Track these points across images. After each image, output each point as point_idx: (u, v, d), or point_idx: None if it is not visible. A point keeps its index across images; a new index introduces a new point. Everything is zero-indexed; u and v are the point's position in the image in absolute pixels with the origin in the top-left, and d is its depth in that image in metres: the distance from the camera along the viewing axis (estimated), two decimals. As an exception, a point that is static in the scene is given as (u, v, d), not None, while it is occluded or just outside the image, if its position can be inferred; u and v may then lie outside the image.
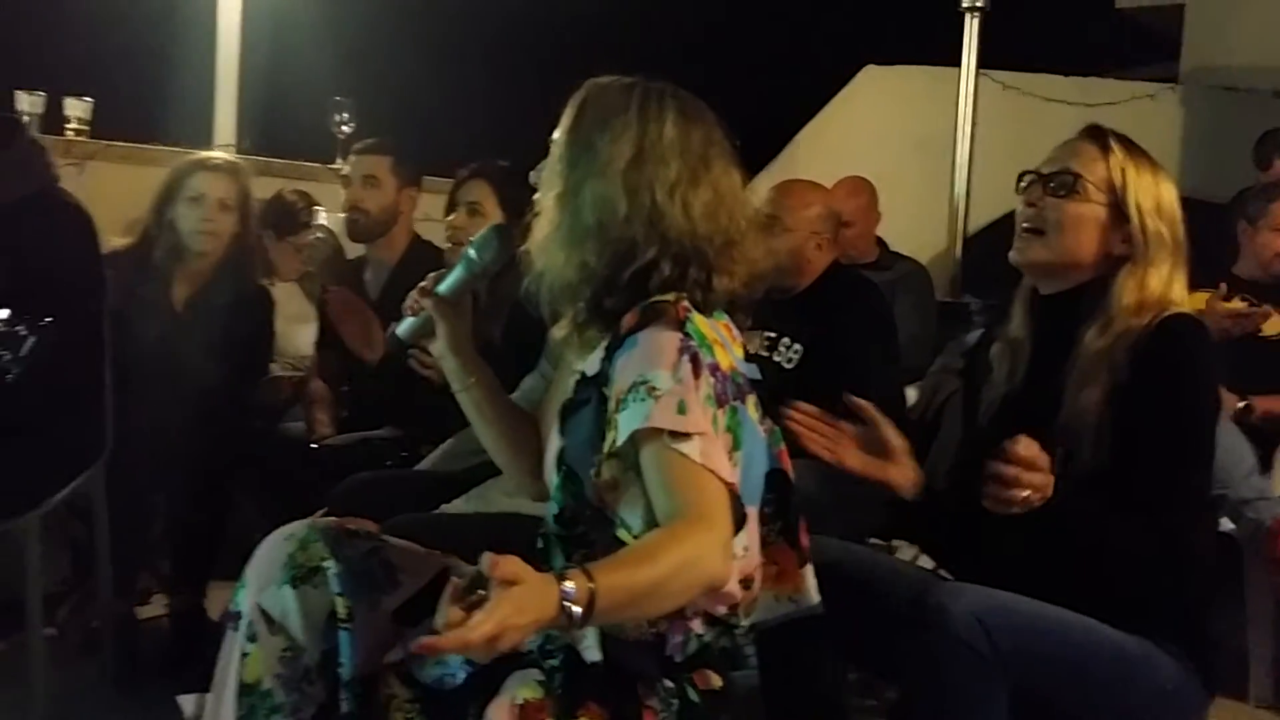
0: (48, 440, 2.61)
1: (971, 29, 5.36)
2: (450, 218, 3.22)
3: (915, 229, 5.36)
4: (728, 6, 6.94)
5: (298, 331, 4.02)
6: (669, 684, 1.65)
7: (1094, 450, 1.92)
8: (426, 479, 2.78)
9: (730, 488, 1.57)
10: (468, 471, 2.55)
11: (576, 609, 1.38)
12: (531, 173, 1.89)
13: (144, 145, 4.08)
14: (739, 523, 1.62)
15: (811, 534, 1.82)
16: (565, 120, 1.77)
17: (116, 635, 3.05)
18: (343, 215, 3.64)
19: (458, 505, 2.52)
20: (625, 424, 1.57)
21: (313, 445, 3.44)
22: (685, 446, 1.54)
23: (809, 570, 1.80)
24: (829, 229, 3.26)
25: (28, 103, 3.82)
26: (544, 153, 1.81)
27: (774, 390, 2.67)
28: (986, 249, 5.55)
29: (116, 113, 4.15)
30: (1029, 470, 1.75)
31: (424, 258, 3.49)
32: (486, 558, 1.37)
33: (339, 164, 4.43)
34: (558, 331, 1.78)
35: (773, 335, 3.16)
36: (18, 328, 2.10)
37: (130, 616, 3.23)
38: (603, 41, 6.29)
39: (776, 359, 3.14)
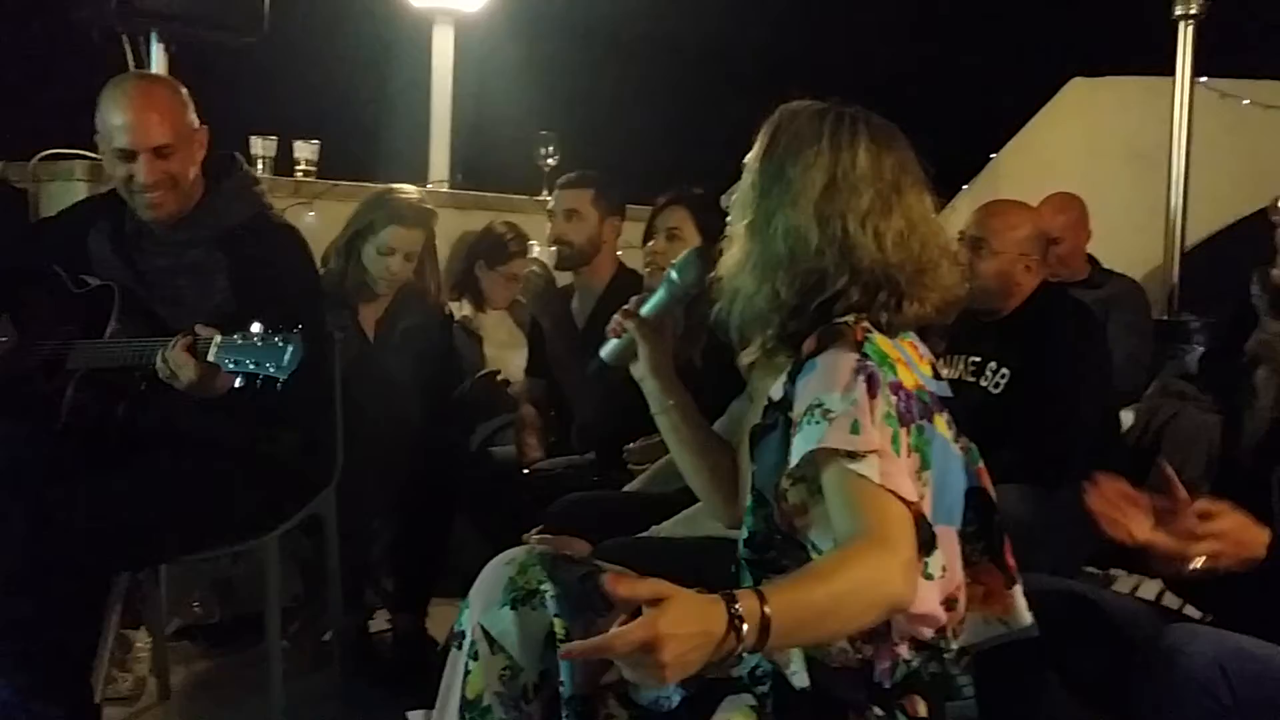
0: (288, 464, 2.79)
1: (1185, 37, 5.15)
2: (650, 244, 3.29)
3: (1129, 245, 5.16)
4: (925, 22, 6.84)
5: (508, 358, 4.16)
6: (878, 711, 1.65)
7: None
8: (636, 500, 2.84)
9: (913, 507, 1.55)
10: (677, 493, 2.60)
11: (746, 626, 1.38)
12: (724, 197, 1.92)
13: (365, 183, 4.29)
14: (927, 543, 1.60)
15: (1026, 566, 1.79)
16: (757, 147, 1.78)
17: (347, 649, 3.23)
18: (550, 248, 3.76)
19: (667, 528, 2.56)
20: (799, 446, 1.58)
21: (524, 470, 3.55)
22: (862, 467, 1.54)
23: (1018, 591, 1.76)
24: (1037, 250, 3.18)
25: (261, 146, 4.07)
26: (737, 177, 1.84)
27: (981, 415, 2.63)
28: (1205, 264, 5.33)
29: (340, 154, 4.37)
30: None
31: (628, 284, 3.57)
32: (606, 578, 1.40)
33: (544, 196, 4.57)
34: (745, 357, 1.80)
35: (978, 359, 3.11)
36: (275, 339, 2.26)
37: (359, 631, 3.41)
38: (800, 60, 6.29)
39: (983, 384, 3.08)
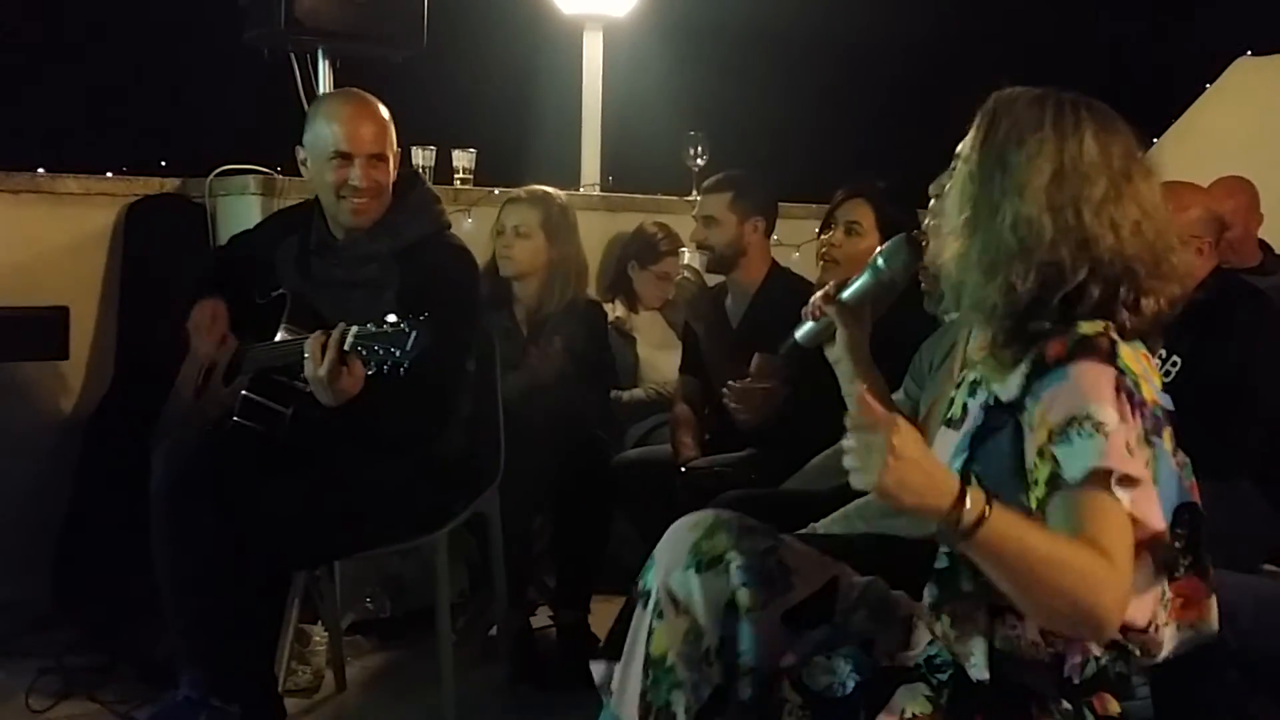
0: (455, 463, 2.88)
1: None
2: (826, 235, 3.27)
3: (1303, 230, 4.93)
4: (1085, 4, 6.65)
5: (661, 358, 4.19)
6: (1066, 705, 1.63)
7: None
8: (795, 497, 2.84)
9: (1160, 537, 1.55)
10: (834, 491, 2.59)
11: (969, 511, 1.45)
12: (933, 184, 1.91)
13: (520, 189, 4.38)
14: (1169, 565, 1.60)
15: None
16: (973, 135, 1.73)
17: (511, 645, 3.30)
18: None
19: (824, 525, 2.55)
20: (1073, 459, 1.54)
21: (680, 469, 3.57)
22: (1120, 490, 1.53)
23: (1214, 600, 1.73)
24: (1210, 232, 3.06)
25: (421, 156, 4.19)
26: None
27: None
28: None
29: (496, 161, 4.48)
30: None
31: (783, 284, 3.57)
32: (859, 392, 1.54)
33: (694, 196, 4.59)
34: (975, 353, 1.77)
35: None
36: (402, 325, 2.37)
37: (525, 627, 3.48)
38: (950, 52, 6.19)
39: (1152, 373, 2.99)
